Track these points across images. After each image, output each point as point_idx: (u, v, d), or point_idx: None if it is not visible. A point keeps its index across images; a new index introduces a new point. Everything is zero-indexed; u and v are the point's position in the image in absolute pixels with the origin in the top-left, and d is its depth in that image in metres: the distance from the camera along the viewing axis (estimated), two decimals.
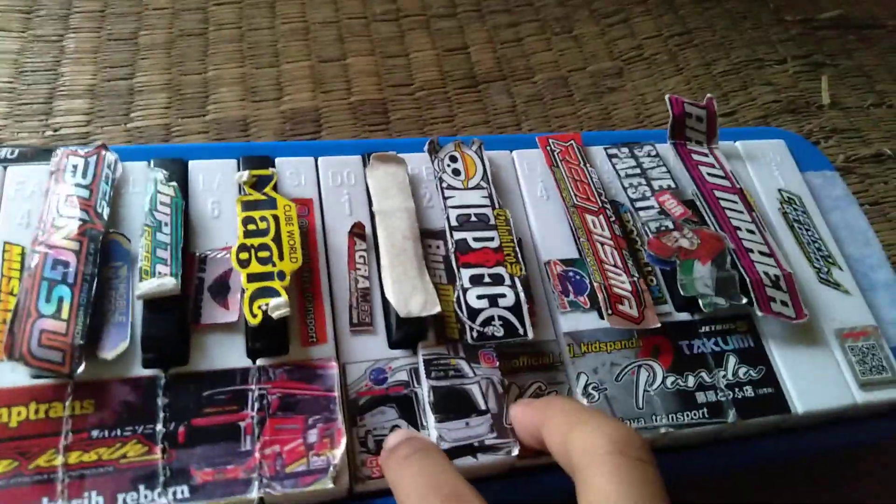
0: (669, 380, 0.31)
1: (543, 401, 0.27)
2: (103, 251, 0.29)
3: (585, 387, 0.30)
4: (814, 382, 0.33)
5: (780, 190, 0.41)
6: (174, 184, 0.31)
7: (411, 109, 0.49)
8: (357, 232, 0.32)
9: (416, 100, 0.49)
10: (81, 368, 0.26)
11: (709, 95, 0.41)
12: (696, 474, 0.33)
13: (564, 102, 0.52)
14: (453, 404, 0.29)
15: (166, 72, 0.46)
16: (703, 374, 0.32)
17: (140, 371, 0.27)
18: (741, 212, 0.37)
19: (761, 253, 0.36)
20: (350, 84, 0.48)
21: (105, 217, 0.30)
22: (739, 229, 0.36)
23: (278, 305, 0.28)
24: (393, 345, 0.30)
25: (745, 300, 0.34)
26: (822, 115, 0.55)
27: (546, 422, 0.26)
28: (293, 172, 0.34)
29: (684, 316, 0.34)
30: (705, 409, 0.31)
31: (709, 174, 0.39)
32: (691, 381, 0.31)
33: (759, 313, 0.33)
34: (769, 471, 0.38)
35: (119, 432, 0.26)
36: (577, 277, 0.34)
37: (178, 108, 0.45)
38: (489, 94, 0.51)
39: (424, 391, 0.29)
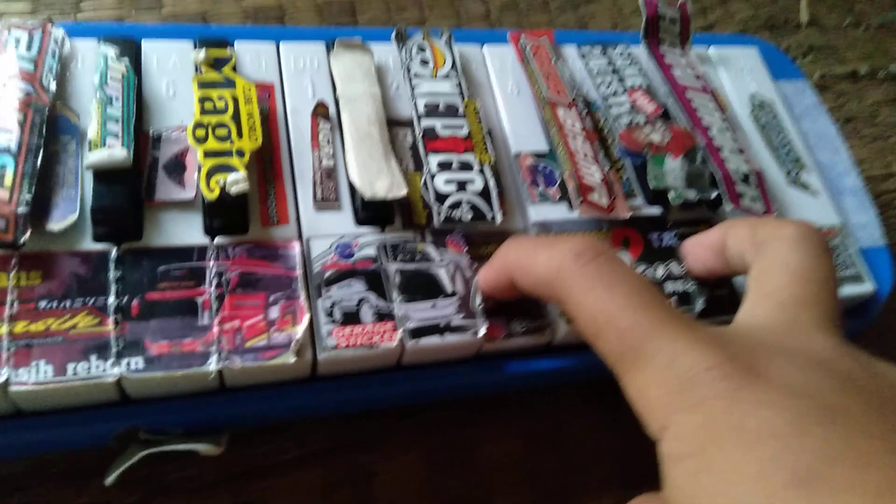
0: (639, 269, 0.31)
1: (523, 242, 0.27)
2: (51, 125, 0.27)
3: None
4: None
5: (751, 95, 0.40)
6: (126, 60, 0.30)
7: (380, 11, 0.47)
8: (321, 112, 0.31)
9: (386, 2, 0.47)
10: (26, 237, 0.24)
11: None
12: None
13: (540, 10, 0.51)
14: (420, 286, 0.28)
15: None
16: (673, 266, 0.32)
17: (91, 245, 0.26)
18: (713, 111, 0.37)
19: (731, 151, 0.35)
20: None
21: (51, 90, 0.28)
22: (710, 128, 0.36)
23: (236, 180, 0.27)
24: (360, 222, 0.29)
25: (714, 194, 0.33)
26: (799, 32, 0.55)
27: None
28: (254, 57, 0.33)
29: (655, 210, 0.33)
30: (675, 299, 0.31)
31: (681, 75, 0.38)
32: (661, 271, 0.31)
33: (729, 208, 0.33)
34: None
35: (68, 304, 0.25)
36: (548, 170, 0.33)
37: (133, 1, 0.42)
38: None
39: (391, 271, 0.28)
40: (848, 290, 0.34)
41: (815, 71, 0.52)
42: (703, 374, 0.19)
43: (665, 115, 0.36)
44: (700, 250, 0.29)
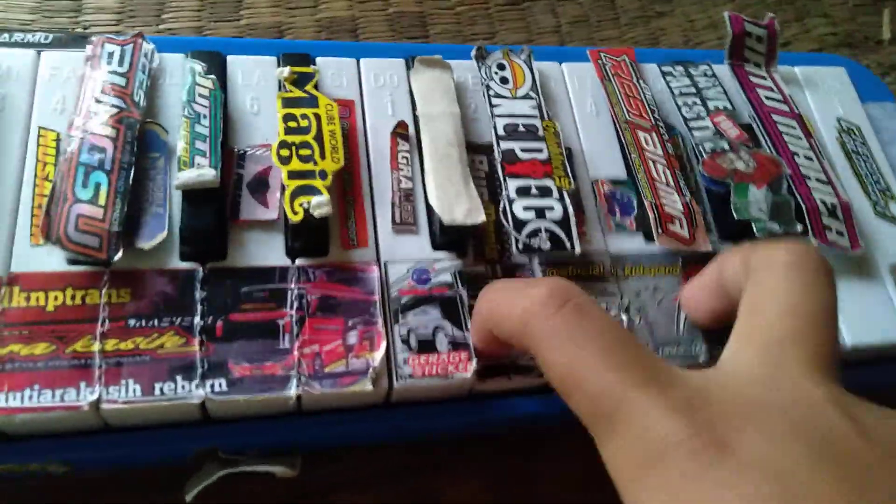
0: None
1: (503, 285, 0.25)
2: (140, 141, 0.28)
3: (627, 309, 0.29)
4: (865, 317, 0.32)
5: (838, 119, 0.39)
6: (213, 76, 0.30)
7: (451, 24, 0.46)
8: (400, 132, 0.31)
9: (457, 14, 0.47)
10: (119, 255, 0.25)
11: (770, 15, 0.39)
12: None
13: (611, 25, 0.50)
14: None
15: None
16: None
17: (178, 263, 0.26)
18: (799, 137, 0.36)
19: (818, 180, 0.34)
20: None
21: (142, 106, 0.29)
22: (797, 155, 0.35)
23: (320, 203, 0.27)
24: (437, 247, 0.29)
25: (800, 227, 0.32)
26: (881, 50, 0.52)
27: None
28: (334, 73, 0.33)
29: (728, 246, 0.32)
30: None
31: (766, 97, 0.37)
32: None
33: (814, 242, 0.32)
34: None
35: (156, 322, 0.25)
36: (625, 199, 0.32)
37: (211, 12, 0.43)
38: (532, 12, 0.48)
39: (465, 298, 0.28)
40: None
41: None
42: (671, 450, 0.18)
43: (749, 141, 0.35)
44: (698, 294, 0.27)
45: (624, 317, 0.29)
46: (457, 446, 0.32)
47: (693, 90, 0.37)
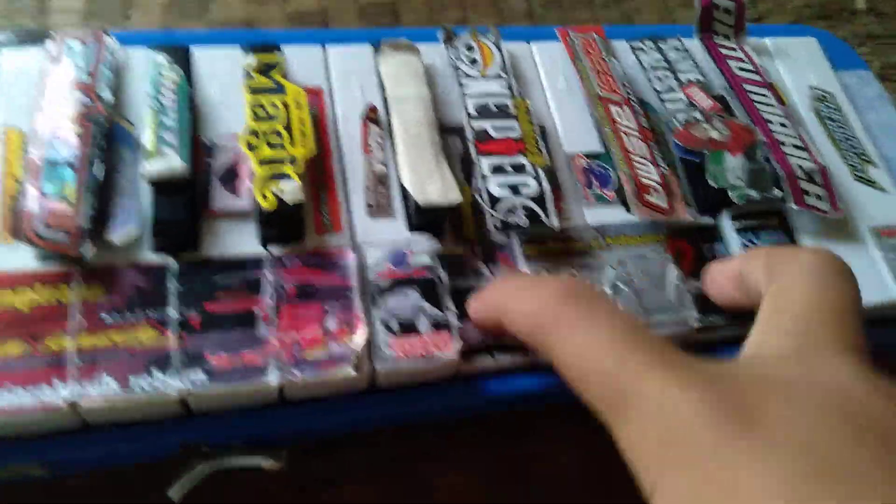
0: (692, 283, 0.30)
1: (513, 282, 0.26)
2: (107, 136, 0.28)
3: (613, 279, 0.29)
4: None
5: (811, 87, 0.39)
6: (178, 68, 0.30)
7: (423, 12, 0.46)
8: (371, 116, 0.31)
9: (428, 2, 0.47)
10: (89, 249, 0.25)
11: None
12: None
13: (584, 7, 0.49)
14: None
15: None
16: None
17: (149, 257, 0.26)
18: (772, 105, 0.36)
19: (794, 146, 0.34)
20: None
21: (107, 101, 0.28)
22: (771, 122, 0.35)
23: (292, 189, 0.27)
24: (413, 229, 0.28)
25: (778, 193, 0.32)
26: (856, 21, 0.53)
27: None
28: (301, 61, 0.32)
29: (707, 221, 0.32)
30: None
31: (738, 68, 0.37)
32: None
33: (794, 206, 0.32)
34: None
35: (131, 316, 0.25)
36: (602, 170, 0.32)
37: (179, 9, 0.43)
38: None
39: (445, 279, 0.28)
40: None
41: (873, 61, 0.50)
42: (692, 424, 0.17)
43: (722, 111, 0.34)
44: (720, 279, 0.28)
45: (608, 289, 0.29)
46: (446, 433, 0.31)
47: (664, 64, 0.37)
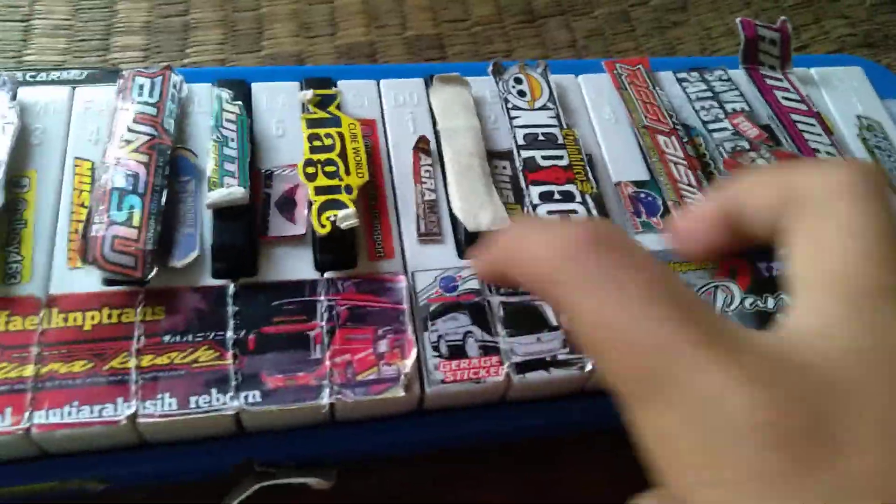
0: (748, 301, 0.30)
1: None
2: (171, 166, 0.29)
3: None
4: None
5: (858, 116, 0.38)
6: (239, 102, 0.31)
7: (468, 45, 0.47)
8: (422, 147, 0.31)
9: (473, 34, 0.48)
10: (153, 273, 0.26)
11: (782, 18, 0.39)
12: None
13: (626, 38, 0.50)
14: (524, 320, 0.28)
15: (220, 8, 0.46)
16: (784, 295, 0.30)
17: (210, 281, 0.27)
18: (819, 134, 0.36)
19: None
20: (405, 19, 0.47)
21: (172, 133, 0.30)
22: (818, 151, 0.35)
23: (347, 216, 0.27)
24: (463, 255, 0.29)
25: None
26: None
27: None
28: (355, 95, 0.33)
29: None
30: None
31: (784, 98, 0.37)
32: (771, 302, 0.30)
33: None
34: None
35: (190, 338, 0.25)
36: (650, 199, 0.32)
37: (233, 44, 0.44)
38: (548, 28, 0.49)
39: (495, 304, 0.28)
40: None
41: None
42: (749, 436, 0.13)
43: (769, 140, 0.35)
44: (698, 226, 0.21)
45: None
46: (478, 456, 0.31)
47: (709, 94, 0.37)
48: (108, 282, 0.26)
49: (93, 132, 0.30)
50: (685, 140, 0.34)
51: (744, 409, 0.13)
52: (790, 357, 0.15)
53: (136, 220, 0.26)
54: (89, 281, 0.26)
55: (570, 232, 0.17)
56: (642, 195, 0.32)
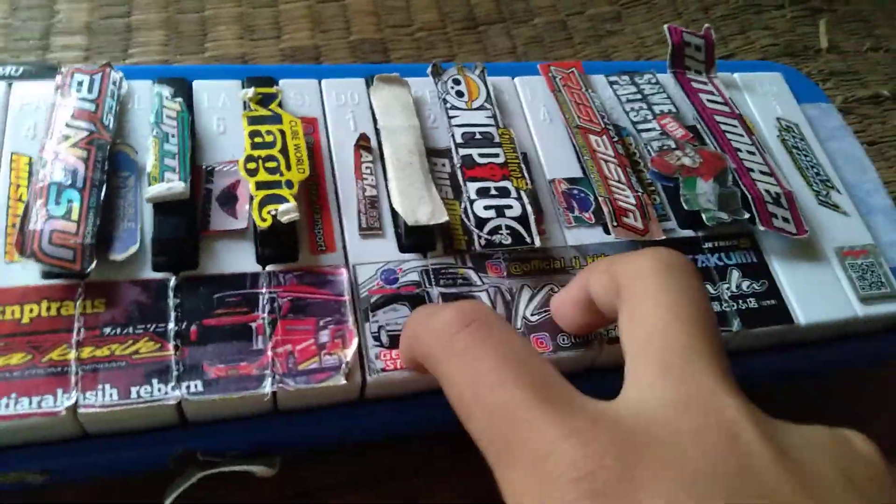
0: None
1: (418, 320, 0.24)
2: (111, 162, 0.29)
3: None
4: (815, 296, 0.33)
5: (778, 118, 0.41)
6: (180, 99, 0.31)
7: (411, 49, 0.49)
8: (363, 144, 0.32)
9: (416, 40, 0.49)
10: (92, 266, 0.26)
11: (706, 25, 0.41)
12: None
13: (564, 45, 0.52)
14: None
15: (163, 10, 0.46)
16: (708, 287, 0.32)
17: (150, 274, 0.27)
18: (741, 135, 0.38)
19: (762, 172, 0.36)
20: (349, 23, 0.48)
21: (111, 129, 0.30)
22: (740, 150, 0.37)
23: (287, 210, 0.28)
24: (403, 249, 0.30)
25: (747, 215, 0.34)
26: (819, 58, 0.56)
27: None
28: (297, 93, 0.34)
29: (688, 233, 0.34)
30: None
31: (708, 100, 0.39)
32: None
33: (761, 228, 0.34)
34: (772, 388, 0.38)
35: (131, 330, 0.26)
36: (582, 195, 0.34)
37: (177, 46, 0.45)
38: (489, 35, 0.51)
39: (434, 295, 0.29)
40: (880, 309, 0.34)
41: (837, 96, 0.53)
42: (570, 485, 0.16)
43: (694, 140, 0.37)
44: (568, 309, 0.26)
45: None
46: (431, 446, 0.32)
47: (639, 96, 0.39)
48: (46, 275, 0.26)
49: (30, 128, 0.30)
50: (616, 139, 0.36)
51: (566, 464, 0.16)
52: (609, 416, 0.17)
53: (74, 215, 0.26)
54: (27, 275, 0.26)
55: (445, 316, 0.20)
56: (575, 191, 0.34)
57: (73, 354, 0.25)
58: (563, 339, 0.29)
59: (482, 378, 0.19)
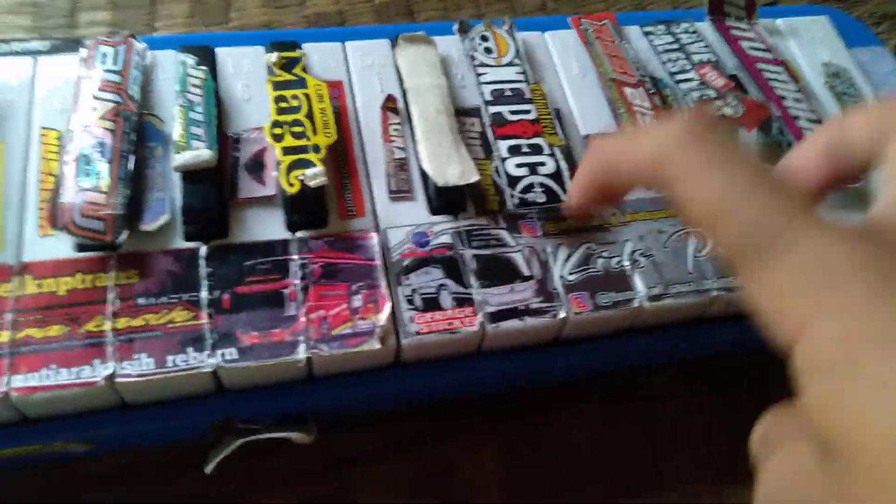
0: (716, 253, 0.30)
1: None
2: (138, 132, 0.29)
3: (632, 253, 0.30)
4: None
5: (825, 64, 0.39)
6: (204, 67, 0.31)
7: (437, 11, 0.47)
8: (390, 106, 0.32)
9: (443, 0, 0.48)
10: (124, 237, 0.26)
11: None
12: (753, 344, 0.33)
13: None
14: (497, 271, 0.28)
15: None
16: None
17: (182, 244, 0.27)
18: (786, 82, 0.36)
19: (809, 120, 0.34)
20: None
21: (137, 99, 0.29)
22: (785, 98, 0.35)
23: (315, 174, 0.27)
24: (434, 211, 0.29)
25: None
26: (871, 1, 0.53)
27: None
28: (321, 57, 0.33)
29: None
30: None
31: (750, 48, 0.37)
32: None
33: None
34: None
35: (165, 299, 0.26)
36: None
37: (201, 17, 0.44)
38: None
39: (467, 257, 0.28)
40: None
41: (890, 39, 0.50)
42: (854, 270, 0.16)
43: (736, 89, 0.35)
44: (809, 160, 0.24)
45: (627, 262, 0.29)
46: (468, 414, 0.32)
47: (676, 46, 0.37)
48: (80, 247, 0.26)
49: (58, 102, 0.30)
50: (652, 92, 0.34)
51: (847, 257, 0.16)
52: (872, 228, 0.17)
53: (104, 186, 0.26)
54: (61, 247, 0.26)
55: (676, 127, 0.19)
56: None
57: (108, 325, 0.25)
58: (603, 299, 0.28)
59: (739, 185, 0.18)
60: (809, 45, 0.40)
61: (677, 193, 0.19)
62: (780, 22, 0.41)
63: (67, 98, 0.30)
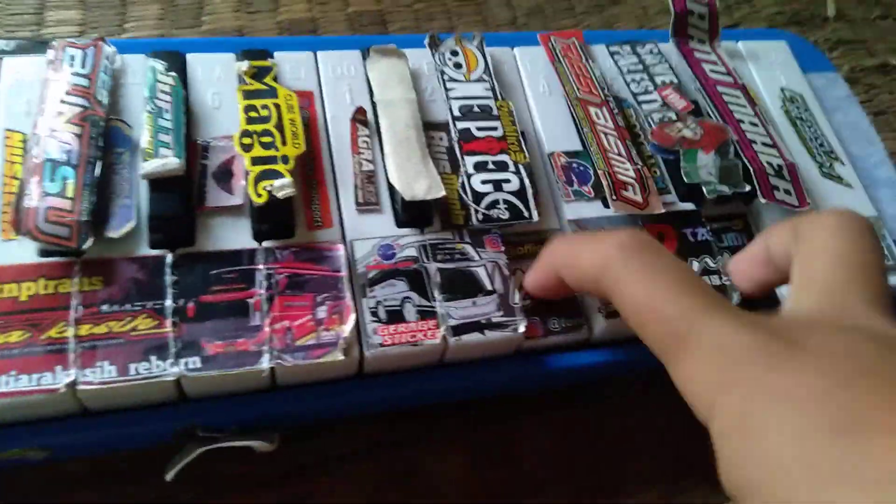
0: None
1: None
2: (105, 138, 0.29)
3: None
4: None
5: (782, 88, 0.40)
6: (174, 73, 0.31)
7: (409, 21, 0.48)
8: (359, 118, 0.32)
9: (415, 11, 0.48)
10: (89, 243, 0.26)
11: None
12: None
13: (566, 15, 0.51)
14: (460, 285, 0.29)
15: None
16: (708, 260, 0.32)
17: (147, 251, 0.27)
18: (744, 106, 0.37)
19: (764, 144, 0.36)
20: None
21: (105, 104, 0.29)
22: (742, 122, 0.36)
23: (283, 185, 0.28)
24: (400, 224, 0.30)
25: (748, 188, 0.34)
26: (827, 27, 0.55)
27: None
28: (293, 66, 0.34)
29: (688, 206, 0.34)
30: None
31: (711, 70, 0.39)
32: (696, 266, 0.32)
33: (763, 200, 0.33)
34: None
35: (129, 307, 0.26)
36: (581, 168, 0.33)
37: (172, 20, 0.44)
38: (489, 6, 0.50)
39: (432, 271, 0.29)
40: None
41: (844, 64, 0.52)
42: (745, 353, 0.19)
43: (696, 112, 0.36)
44: (745, 266, 0.29)
45: None
46: (434, 420, 0.32)
47: (640, 67, 0.38)
48: (43, 253, 0.26)
49: (23, 104, 0.29)
50: (616, 111, 0.35)
51: (739, 341, 0.20)
52: (769, 318, 0.21)
53: (69, 192, 0.26)
54: (24, 253, 0.26)
55: (612, 240, 0.23)
56: (574, 165, 0.33)
57: (71, 332, 0.25)
58: (556, 325, 0.29)
59: (660, 292, 0.22)
60: (768, 69, 0.41)
61: (615, 298, 0.23)
62: (740, 45, 0.42)
63: (33, 100, 0.29)
